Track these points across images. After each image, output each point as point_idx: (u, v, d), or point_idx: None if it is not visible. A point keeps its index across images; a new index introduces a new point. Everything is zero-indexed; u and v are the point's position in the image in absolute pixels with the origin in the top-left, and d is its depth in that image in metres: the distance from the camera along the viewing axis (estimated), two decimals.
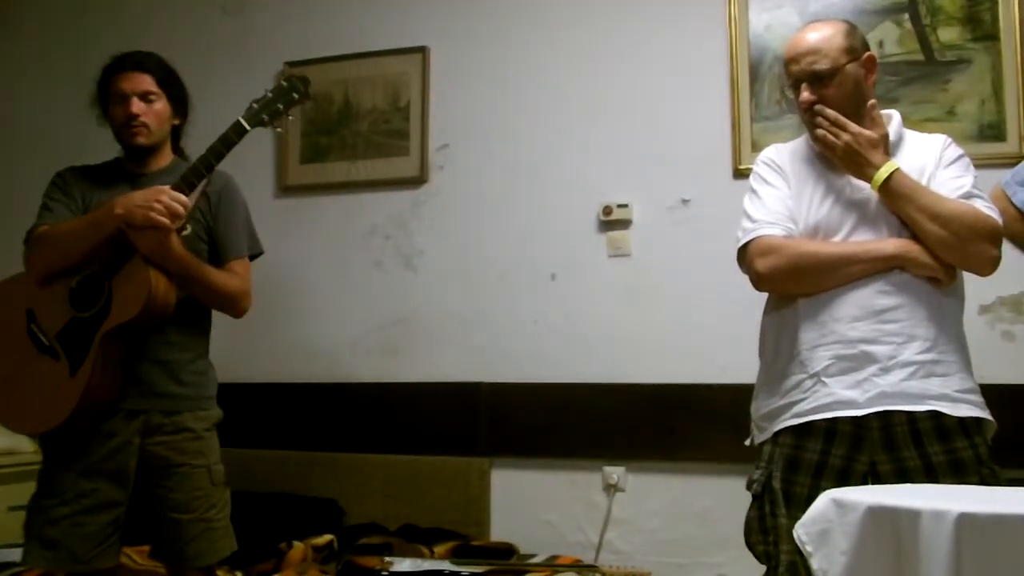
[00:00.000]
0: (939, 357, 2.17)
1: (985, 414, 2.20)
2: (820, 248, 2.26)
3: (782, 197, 2.34)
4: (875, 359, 2.17)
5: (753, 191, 2.40)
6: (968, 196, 2.23)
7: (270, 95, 2.53)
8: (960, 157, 2.32)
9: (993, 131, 3.24)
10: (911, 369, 2.15)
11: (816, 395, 2.21)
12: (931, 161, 2.29)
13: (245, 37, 4.24)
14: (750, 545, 2.29)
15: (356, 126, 4.03)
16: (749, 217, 2.36)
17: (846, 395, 2.17)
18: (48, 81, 4.52)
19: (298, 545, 3.33)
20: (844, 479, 2.16)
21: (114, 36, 4.12)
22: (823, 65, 2.25)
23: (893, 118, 2.36)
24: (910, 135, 2.37)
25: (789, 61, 2.32)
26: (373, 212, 3.99)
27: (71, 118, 4.11)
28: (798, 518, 1.76)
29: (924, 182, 2.25)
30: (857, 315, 2.19)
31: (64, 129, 4.28)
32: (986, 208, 2.22)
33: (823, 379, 2.20)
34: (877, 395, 2.15)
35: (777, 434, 2.26)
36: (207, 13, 4.31)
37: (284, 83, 2.54)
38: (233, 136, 2.46)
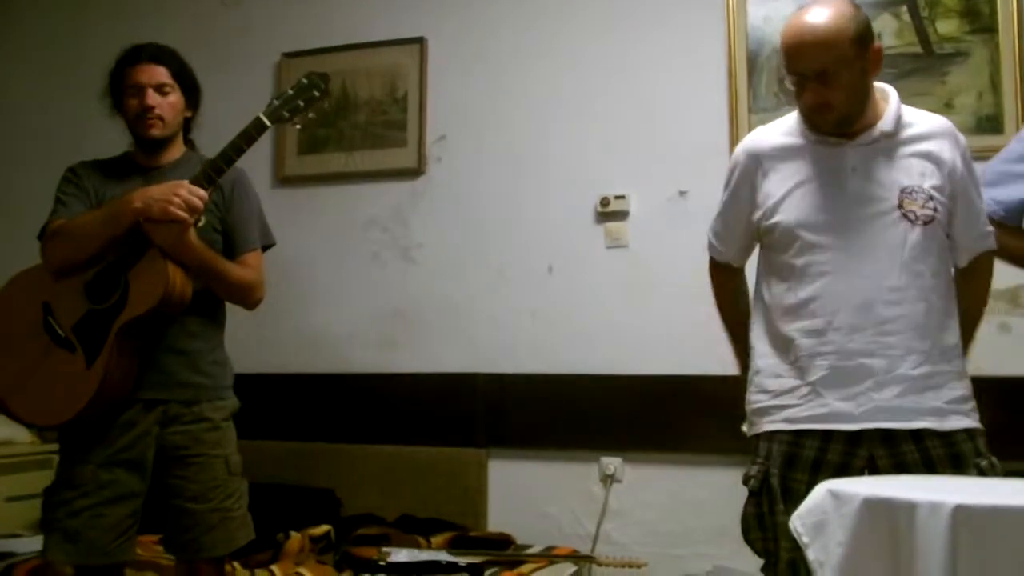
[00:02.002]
0: (933, 369, 2.16)
1: (973, 422, 2.18)
2: None
3: (734, 212, 2.39)
4: (872, 373, 2.15)
5: (724, 188, 2.43)
6: (987, 238, 2.30)
7: (291, 92, 2.53)
8: (974, 166, 2.29)
9: (991, 123, 3.24)
10: (905, 385, 2.14)
11: (811, 404, 2.19)
12: (949, 154, 2.22)
13: (243, 28, 4.24)
14: (749, 542, 2.27)
15: (353, 117, 4.03)
16: (715, 227, 2.47)
17: (841, 407, 2.16)
18: (47, 74, 4.50)
19: (295, 536, 3.33)
20: (842, 474, 2.13)
21: (113, 29, 4.12)
22: (833, 63, 2.11)
23: (890, 96, 2.27)
24: (908, 113, 2.27)
25: (793, 53, 2.16)
26: (371, 204, 3.99)
27: (69, 111, 4.13)
28: None
29: (940, 179, 2.20)
30: (856, 325, 2.17)
31: (62, 122, 4.29)
32: (993, 248, 2.32)
33: (819, 389, 2.19)
34: (872, 409, 2.14)
35: (773, 430, 2.25)
36: (205, 5, 4.30)
37: (304, 80, 2.54)
38: (254, 132, 2.46)
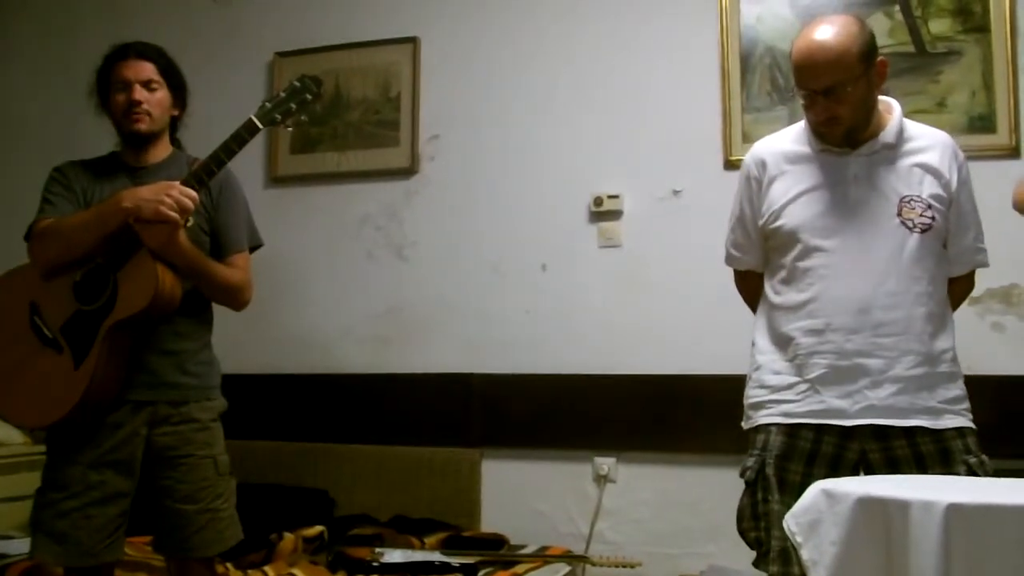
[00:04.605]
0: (928, 370, 2.23)
1: (965, 421, 2.24)
2: None
3: (750, 218, 2.43)
4: (868, 372, 2.22)
5: (736, 199, 2.49)
6: (978, 253, 2.36)
7: (283, 95, 2.52)
8: (971, 181, 2.35)
9: (983, 123, 3.24)
10: (900, 385, 2.21)
11: (808, 400, 2.27)
12: (947, 168, 2.29)
13: (235, 27, 4.23)
14: (742, 532, 2.32)
15: (347, 116, 4.02)
16: (733, 238, 2.50)
17: (837, 404, 2.24)
18: (39, 73, 4.49)
19: (289, 536, 3.32)
20: (836, 466, 2.23)
21: (104, 27, 4.12)
22: (841, 81, 2.20)
23: (894, 109, 2.35)
24: (911, 127, 2.35)
25: (803, 71, 2.24)
26: (364, 202, 3.98)
27: (62, 109, 4.12)
28: (790, 504, 1.81)
29: (939, 189, 2.27)
30: (854, 327, 2.23)
31: (55, 120, 4.28)
32: (985, 265, 2.41)
33: (817, 387, 2.26)
34: (866, 407, 2.21)
35: (771, 423, 2.30)
36: (198, 3, 4.29)
37: (297, 83, 2.53)
38: (245, 135, 2.45)
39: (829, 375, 2.24)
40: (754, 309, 2.50)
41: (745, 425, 2.39)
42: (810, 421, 2.25)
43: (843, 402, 2.23)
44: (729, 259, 2.55)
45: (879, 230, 2.25)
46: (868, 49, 2.24)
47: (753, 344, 2.42)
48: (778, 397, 2.30)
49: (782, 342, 2.33)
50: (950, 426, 2.21)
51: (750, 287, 2.53)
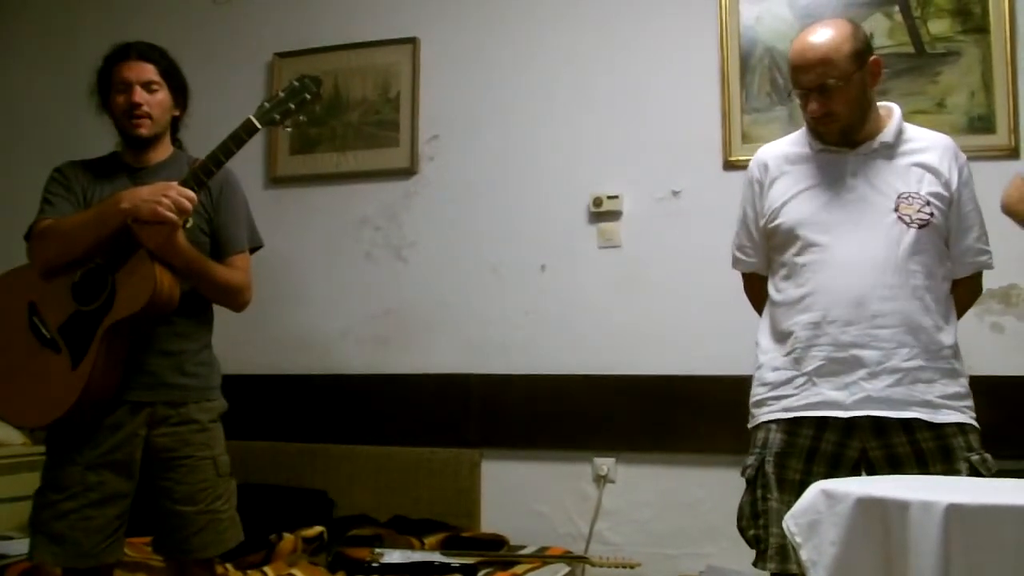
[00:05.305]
0: (926, 363, 2.24)
1: (965, 418, 2.25)
2: None
3: (754, 221, 2.47)
4: (864, 364, 2.24)
5: (741, 203, 2.53)
6: (981, 254, 2.37)
7: (282, 94, 2.51)
8: (972, 183, 2.38)
9: (983, 123, 3.24)
10: (897, 376, 2.23)
11: (806, 393, 2.29)
12: (947, 168, 2.32)
13: (235, 27, 4.23)
14: (741, 530, 2.33)
15: (346, 117, 4.02)
16: (738, 242, 2.54)
17: (834, 396, 2.26)
18: (39, 72, 4.49)
19: (288, 537, 3.32)
20: (836, 464, 2.25)
21: (104, 27, 4.12)
22: (833, 77, 2.26)
23: (894, 112, 2.39)
24: (911, 129, 2.39)
25: (797, 69, 2.31)
26: (363, 203, 3.98)
27: (62, 109, 4.12)
28: (790, 503, 1.83)
29: (938, 188, 2.29)
30: (851, 319, 2.25)
31: (55, 120, 4.27)
32: (989, 267, 2.42)
33: (814, 379, 2.28)
34: (863, 399, 2.23)
35: (771, 420, 2.32)
36: (198, 3, 4.28)
37: (296, 83, 2.52)
38: (243, 135, 2.44)
39: (826, 367, 2.27)
40: (761, 313, 2.51)
41: (750, 424, 2.41)
42: (809, 414, 2.26)
43: (839, 394, 2.25)
44: (735, 262, 2.58)
45: (876, 225, 2.28)
46: (861, 48, 2.30)
47: (757, 344, 2.44)
48: (778, 393, 2.32)
49: (782, 338, 2.36)
50: (949, 421, 2.22)
51: (755, 290, 2.56)
